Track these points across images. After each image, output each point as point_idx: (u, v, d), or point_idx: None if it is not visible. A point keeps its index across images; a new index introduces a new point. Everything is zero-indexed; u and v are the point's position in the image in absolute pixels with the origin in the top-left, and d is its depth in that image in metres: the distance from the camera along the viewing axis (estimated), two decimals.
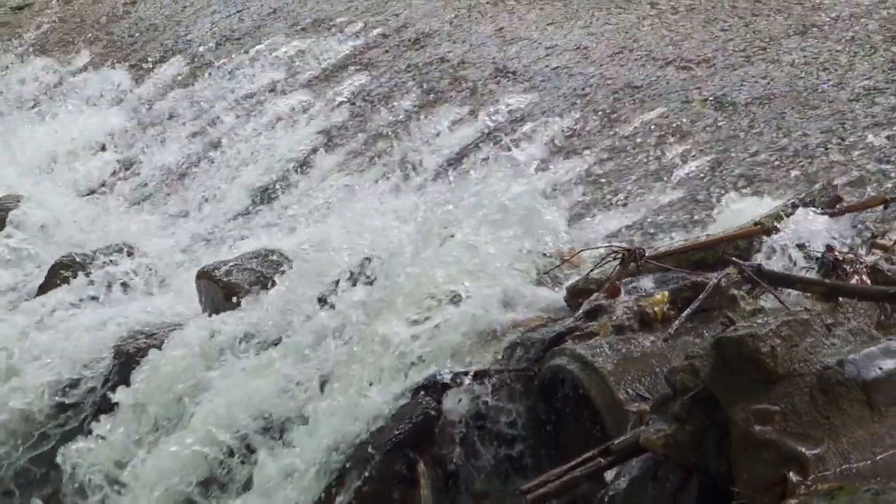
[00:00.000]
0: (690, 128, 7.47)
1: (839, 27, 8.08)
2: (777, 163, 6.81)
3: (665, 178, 7.09)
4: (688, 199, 6.82)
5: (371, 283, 6.59)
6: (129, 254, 8.47)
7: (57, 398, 7.63)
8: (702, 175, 6.98)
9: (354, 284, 6.67)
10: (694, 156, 7.17)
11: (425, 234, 6.50)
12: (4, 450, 7.71)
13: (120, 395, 7.19)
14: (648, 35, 8.76)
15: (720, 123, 7.41)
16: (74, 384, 7.63)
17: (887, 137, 6.71)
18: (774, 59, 7.92)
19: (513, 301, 5.99)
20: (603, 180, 7.33)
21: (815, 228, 5.59)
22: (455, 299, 6.04)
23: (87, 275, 8.34)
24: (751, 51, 8.11)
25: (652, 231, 6.64)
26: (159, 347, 7.26)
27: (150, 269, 8.42)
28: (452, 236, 6.31)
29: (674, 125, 7.57)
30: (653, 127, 7.64)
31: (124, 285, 8.32)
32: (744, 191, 6.64)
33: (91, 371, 7.61)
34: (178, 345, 7.18)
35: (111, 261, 8.41)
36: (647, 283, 5.69)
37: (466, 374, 5.67)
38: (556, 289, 6.04)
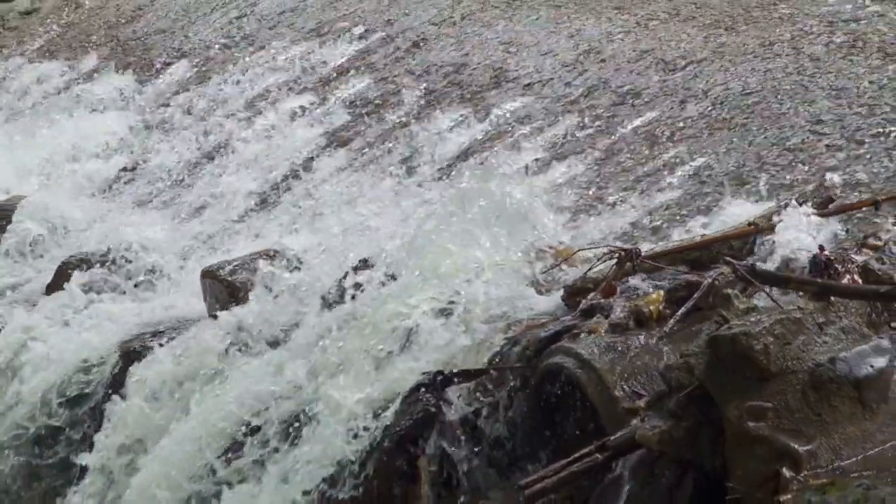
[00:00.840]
0: (679, 132, 7.48)
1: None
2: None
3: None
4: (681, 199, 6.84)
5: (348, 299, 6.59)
6: (135, 253, 8.47)
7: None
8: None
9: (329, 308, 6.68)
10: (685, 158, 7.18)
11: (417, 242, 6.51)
12: None
13: (86, 460, 7.11)
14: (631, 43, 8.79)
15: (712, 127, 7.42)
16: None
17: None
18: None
19: (511, 300, 6.00)
20: (598, 182, 7.33)
21: (807, 228, 5.59)
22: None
23: (94, 274, 8.36)
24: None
25: (646, 231, 6.64)
26: (121, 396, 7.18)
27: (156, 269, 8.41)
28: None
29: (664, 128, 7.59)
30: (644, 130, 7.65)
31: (131, 284, 8.33)
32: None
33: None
34: (139, 390, 7.11)
35: (118, 260, 8.41)
36: (642, 282, 5.70)
37: (466, 371, 5.67)
38: (554, 288, 6.05)
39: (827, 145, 6.80)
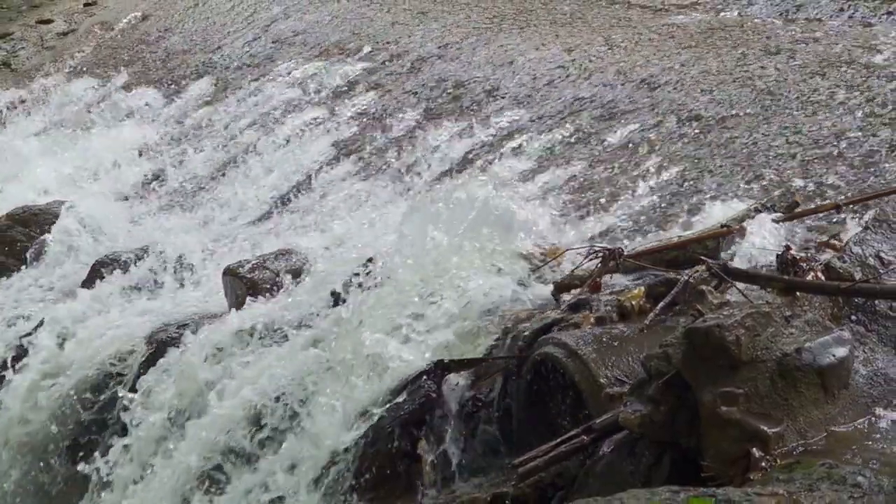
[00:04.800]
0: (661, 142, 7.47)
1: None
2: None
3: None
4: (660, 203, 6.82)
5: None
6: (163, 253, 8.45)
7: None
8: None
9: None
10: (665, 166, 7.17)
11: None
12: None
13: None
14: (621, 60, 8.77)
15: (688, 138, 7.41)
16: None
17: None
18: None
19: (505, 295, 5.99)
20: (586, 187, 7.31)
21: (775, 230, 5.58)
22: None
23: (125, 272, 8.36)
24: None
25: (626, 232, 6.63)
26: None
27: (181, 267, 8.40)
28: None
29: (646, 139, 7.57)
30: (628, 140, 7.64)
31: (156, 282, 8.32)
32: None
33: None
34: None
35: (147, 259, 8.40)
36: (625, 279, 5.69)
37: (464, 360, 5.67)
38: (545, 284, 6.04)
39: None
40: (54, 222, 9.40)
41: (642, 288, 5.52)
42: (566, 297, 5.75)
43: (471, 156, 8.28)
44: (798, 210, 5.86)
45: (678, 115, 7.66)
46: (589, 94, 8.40)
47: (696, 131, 7.40)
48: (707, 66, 8.15)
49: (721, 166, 6.90)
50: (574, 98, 8.42)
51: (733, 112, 7.45)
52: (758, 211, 5.85)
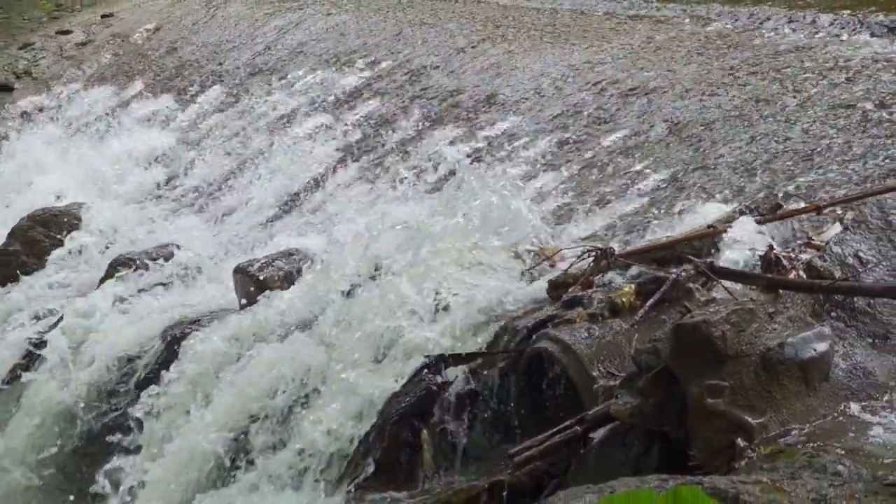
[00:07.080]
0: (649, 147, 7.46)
1: None
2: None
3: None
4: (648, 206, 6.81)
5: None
6: (176, 253, 8.45)
7: None
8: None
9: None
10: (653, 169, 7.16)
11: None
12: None
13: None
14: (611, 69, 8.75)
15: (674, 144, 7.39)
16: None
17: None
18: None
19: (503, 293, 5.99)
20: (578, 190, 7.31)
21: (759, 231, 5.58)
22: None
23: (140, 271, 8.36)
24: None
25: (618, 232, 6.62)
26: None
27: (193, 266, 8.40)
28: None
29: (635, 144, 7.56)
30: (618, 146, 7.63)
31: (170, 280, 8.32)
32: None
33: None
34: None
35: (160, 259, 8.40)
36: (616, 277, 5.69)
37: (464, 355, 5.66)
38: (539, 282, 6.04)
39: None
40: (73, 223, 9.41)
41: (633, 286, 5.52)
42: (561, 295, 5.75)
43: (469, 161, 8.26)
44: (781, 211, 5.86)
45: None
46: (578, 102, 8.41)
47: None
48: None
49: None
50: (570, 105, 8.42)
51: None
52: (743, 212, 5.85)
